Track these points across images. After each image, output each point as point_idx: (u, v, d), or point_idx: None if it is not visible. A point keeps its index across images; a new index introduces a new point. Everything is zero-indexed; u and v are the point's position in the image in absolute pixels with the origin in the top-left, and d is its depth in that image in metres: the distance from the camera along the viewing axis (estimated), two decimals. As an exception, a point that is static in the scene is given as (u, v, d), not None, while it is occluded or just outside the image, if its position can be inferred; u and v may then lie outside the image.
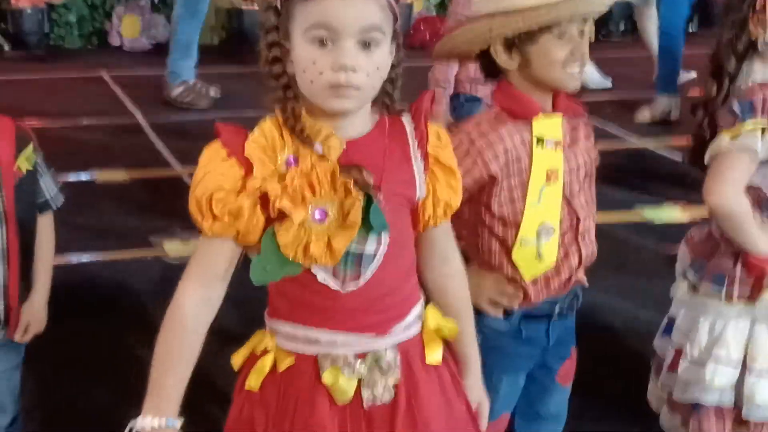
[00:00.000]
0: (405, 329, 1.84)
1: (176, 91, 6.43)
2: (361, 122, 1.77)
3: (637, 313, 3.70)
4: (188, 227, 4.33)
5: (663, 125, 6.25)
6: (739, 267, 2.47)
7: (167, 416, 1.75)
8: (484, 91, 3.61)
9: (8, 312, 2.39)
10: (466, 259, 2.06)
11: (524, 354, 2.39)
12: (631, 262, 4.12)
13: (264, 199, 1.71)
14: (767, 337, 2.47)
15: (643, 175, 5.30)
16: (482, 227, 2.32)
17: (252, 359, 1.84)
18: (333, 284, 1.76)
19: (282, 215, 1.71)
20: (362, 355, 1.79)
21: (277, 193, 1.69)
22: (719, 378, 2.47)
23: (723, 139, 2.43)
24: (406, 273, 1.85)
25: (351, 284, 1.77)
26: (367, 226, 1.73)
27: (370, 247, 1.76)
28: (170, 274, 3.98)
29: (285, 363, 1.80)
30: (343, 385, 1.78)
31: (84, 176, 5.02)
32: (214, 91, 6.42)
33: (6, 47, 7.60)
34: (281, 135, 1.74)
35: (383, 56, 1.72)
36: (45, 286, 2.50)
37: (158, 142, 5.67)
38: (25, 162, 2.37)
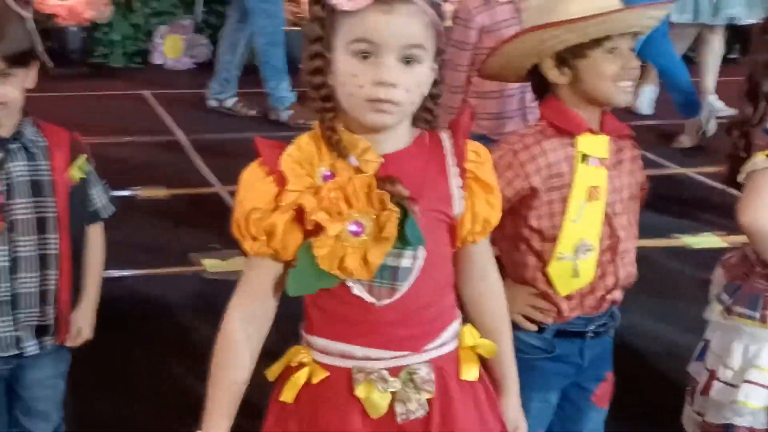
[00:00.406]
0: (441, 346, 1.83)
1: (287, 113, 6.61)
2: (399, 137, 1.78)
3: (675, 338, 3.68)
4: (227, 244, 4.39)
5: (700, 150, 6.23)
6: None
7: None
8: (490, 107, 3.62)
9: (59, 318, 2.43)
10: (502, 272, 2.07)
11: (557, 371, 2.39)
12: (669, 287, 4.09)
13: (300, 213, 1.72)
14: None
15: (681, 202, 5.28)
16: (520, 240, 2.33)
17: (287, 372, 1.85)
18: (368, 297, 1.77)
19: (318, 228, 1.72)
20: (396, 370, 1.79)
21: (313, 206, 1.70)
22: (753, 399, 2.45)
23: (758, 159, 2.43)
24: (442, 289, 1.85)
25: (386, 298, 1.77)
26: (403, 239, 1.73)
27: (406, 261, 1.76)
28: (208, 290, 4.04)
29: (319, 376, 1.80)
30: (377, 399, 1.77)
31: (125, 192, 5.07)
32: None
33: (50, 65, 7.68)
34: (319, 149, 1.76)
35: (424, 73, 1.73)
36: (95, 293, 2.54)
37: (198, 160, 5.71)
38: (77, 171, 2.42)
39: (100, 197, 2.51)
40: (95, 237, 2.53)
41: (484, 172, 1.84)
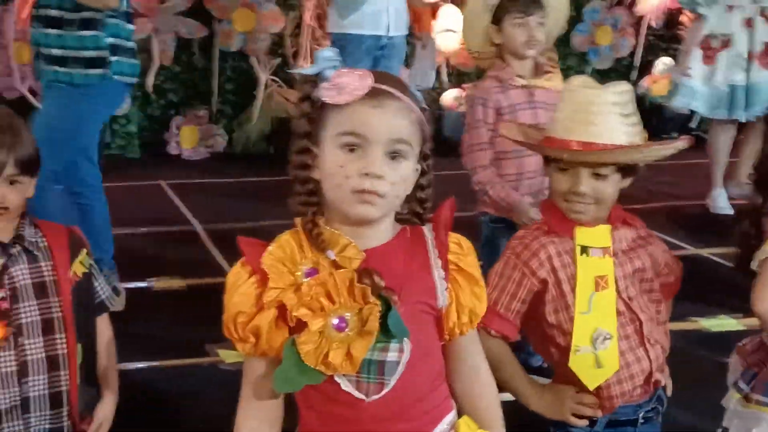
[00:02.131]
0: None
1: None
2: (382, 232, 1.81)
3: (694, 422, 3.65)
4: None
5: (716, 232, 6.23)
6: None
7: None
8: (530, 165, 3.67)
9: (71, 417, 2.43)
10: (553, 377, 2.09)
11: None
12: (687, 371, 4.05)
13: (283, 311, 1.75)
14: None
15: (697, 284, 5.25)
16: (547, 340, 2.35)
17: None
18: (356, 393, 1.77)
19: (302, 325, 1.74)
20: None
21: (294, 303, 1.73)
22: None
23: None
24: (433, 381, 1.84)
25: (374, 393, 1.77)
26: (387, 332, 1.74)
27: (392, 354, 1.77)
28: (226, 381, 4.02)
29: None
30: None
31: (141, 284, 5.08)
32: None
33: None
34: (300, 246, 1.79)
35: (408, 169, 1.77)
36: (114, 384, 2.55)
37: (214, 250, 5.73)
38: (80, 266, 2.45)
39: (103, 288, 2.53)
40: (103, 329, 2.55)
41: (467, 263, 1.85)
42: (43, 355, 2.36)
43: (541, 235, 2.39)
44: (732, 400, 2.56)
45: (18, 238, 2.38)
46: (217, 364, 4.18)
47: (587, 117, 2.31)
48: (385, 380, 1.77)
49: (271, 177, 6.89)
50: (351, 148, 1.73)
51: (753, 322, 4.55)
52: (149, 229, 6.17)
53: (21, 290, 2.35)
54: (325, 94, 1.74)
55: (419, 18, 6.24)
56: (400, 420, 1.80)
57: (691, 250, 5.91)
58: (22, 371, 2.34)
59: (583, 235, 2.35)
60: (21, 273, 2.36)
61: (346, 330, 1.73)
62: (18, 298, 2.34)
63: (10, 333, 2.32)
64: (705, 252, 5.90)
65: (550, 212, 2.43)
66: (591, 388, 2.34)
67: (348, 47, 6.23)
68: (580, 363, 2.32)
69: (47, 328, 2.37)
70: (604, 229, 2.37)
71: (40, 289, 2.37)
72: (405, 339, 1.76)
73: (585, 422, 2.38)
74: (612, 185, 2.37)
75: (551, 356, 2.41)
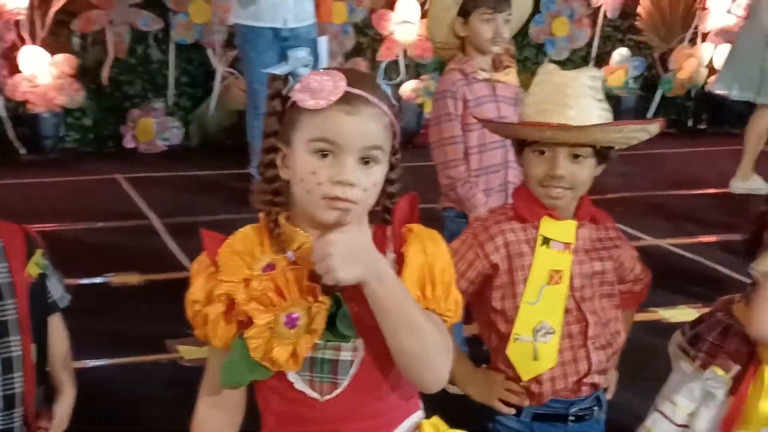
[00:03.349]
0: None
1: None
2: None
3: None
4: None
5: (676, 222, 6.27)
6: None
7: None
8: (494, 158, 3.70)
9: (26, 417, 2.39)
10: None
11: None
12: (648, 362, 4.08)
13: (233, 305, 1.73)
14: None
15: (656, 274, 5.28)
16: (489, 325, 2.34)
17: None
18: (310, 392, 1.76)
19: (252, 320, 1.71)
20: None
21: (243, 298, 1.71)
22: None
23: None
24: (392, 382, 1.79)
25: (328, 393, 1.76)
26: (338, 332, 1.71)
27: (345, 353, 1.75)
28: (186, 378, 3.99)
29: None
30: None
31: (99, 279, 5.03)
32: None
33: (22, 151, 7.67)
34: (262, 241, 1.77)
35: (381, 173, 1.74)
36: (72, 383, 2.52)
37: (172, 244, 5.69)
38: (35, 267, 2.40)
39: (56, 288, 2.49)
40: (57, 327, 2.51)
41: (407, 246, 1.77)
42: None
43: (504, 221, 2.38)
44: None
45: None
46: (177, 361, 4.15)
47: (563, 99, 2.30)
48: (338, 380, 1.75)
49: (229, 170, 6.88)
50: (323, 153, 1.70)
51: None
52: (106, 223, 6.11)
53: None
54: (298, 96, 1.71)
55: (319, 7, 6.16)
56: (358, 419, 1.78)
57: (649, 240, 5.94)
58: None
59: (548, 227, 2.34)
60: None
61: (296, 328, 1.70)
62: None
63: None
64: (664, 242, 5.94)
65: (520, 198, 2.41)
66: (524, 378, 2.34)
67: (249, 38, 6.26)
68: (517, 352, 2.33)
69: (2, 330, 2.33)
70: (569, 224, 2.36)
71: None
72: (358, 339, 1.74)
73: (512, 410, 2.38)
74: (588, 169, 2.34)
75: (491, 341, 2.41)
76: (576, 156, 2.30)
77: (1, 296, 2.33)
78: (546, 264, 2.32)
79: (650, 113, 9.53)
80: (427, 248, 1.76)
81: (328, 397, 1.76)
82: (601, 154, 2.34)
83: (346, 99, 1.69)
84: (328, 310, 1.69)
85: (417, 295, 1.73)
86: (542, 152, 2.34)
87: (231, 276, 1.74)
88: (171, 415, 3.68)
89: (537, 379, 2.34)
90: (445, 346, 1.76)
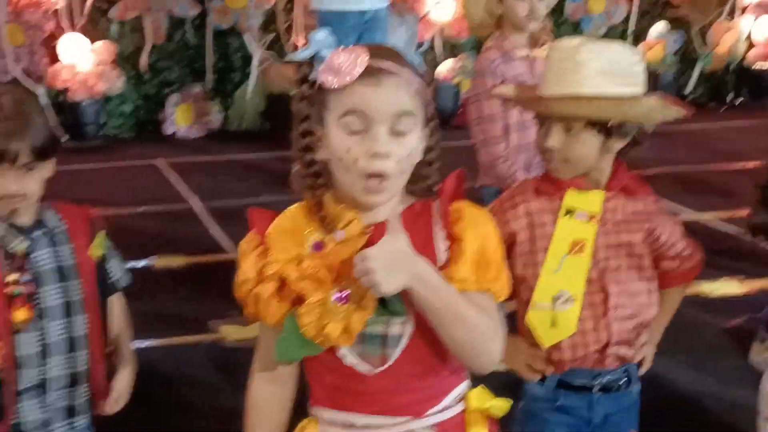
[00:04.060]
0: (444, 411, 1.84)
1: None
2: (389, 206, 1.80)
3: (699, 387, 3.67)
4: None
5: (716, 197, 6.23)
6: None
7: None
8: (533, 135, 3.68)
9: (95, 393, 2.45)
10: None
11: (561, 423, 2.42)
12: (689, 336, 4.08)
13: (284, 283, 1.77)
14: None
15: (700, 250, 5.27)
16: (514, 292, 2.36)
17: None
18: (360, 367, 1.79)
19: (302, 298, 1.75)
20: None
21: (294, 276, 1.75)
22: None
23: None
24: (440, 355, 1.81)
25: (378, 366, 1.79)
26: (390, 308, 1.75)
27: (394, 329, 1.78)
28: (229, 358, 4.04)
29: None
30: None
31: (142, 263, 5.08)
32: None
33: (64, 138, 7.75)
34: (308, 221, 1.80)
35: (415, 142, 1.76)
36: (132, 359, 2.56)
37: (214, 227, 5.73)
38: (98, 248, 2.45)
39: (117, 268, 2.54)
40: (118, 306, 2.56)
41: (459, 227, 1.81)
42: (64, 336, 2.37)
43: (530, 192, 2.40)
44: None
45: (39, 223, 2.38)
46: (220, 341, 4.19)
47: (564, 71, 2.32)
48: (388, 354, 1.78)
49: (268, 152, 6.91)
50: (355, 130, 1.72)
51: (754, 284, 4.58)
52: (147, 208, 6.17)
53: (44, 274, 2.35)
54: (322, 77, 1.73)
55: None
56: (404, 392, 1.81)
57: (689, 214, 5.91)
58: (44, 352, 2.35)
59: (573, 198, 2.35)
60: (44, 257, 2.36)
61: (348, 304, 1.74)
62: (41, 282, 2.35)
63: (34, 316, 2.33)
64: (703, 217, 5.91)
65: (546, 172, 2.43)
66: (544, 345, 2.36)
67: (333, 25, 6.20)
68: (537, 318, 2.35)
69: (68, 310, 2.38)
70: (596, 195, 2.36)
71: (62, 273, 2.37)
72: (408, 313, 1.76)
73: (536, 377, 2.41)
74: (584, 144, 2.32)
75: (511, 305, 2.43)
76: (568, 128, 2.30)
77: (66, 277, 2.37)
78: (568, 234, 2.33)
79: (689, 89, 9.46)
80: (480, 230, 1.81)
81: (377, 370, 1.79)
82: (606, 129, 2.31)
83: (370, 72, 1.71)
84: None
85: (473, 278, 1.78)
86: (542, 124, 2.36)
87: (282, 254, 1.78)
88: (214, 394, 3.74)
89: (557, 347, 2.36)
90: (495, 330, 1.79)
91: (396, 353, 1.78)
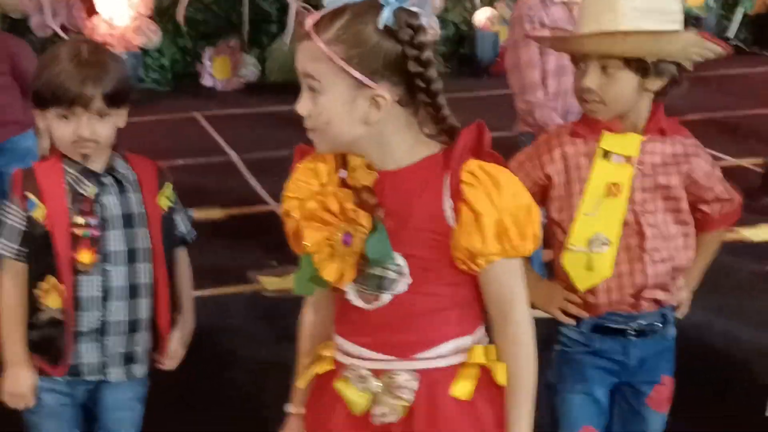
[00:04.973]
0: (436, 358, 1.87)
1: None
2: (398, 155, 1.84)
3: (736, 332, 3.66)
4: (284, 261, 4.41)
5: (756, 142, 6.18)
6: None
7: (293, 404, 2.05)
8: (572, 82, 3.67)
9: (160, 342, 2.51)
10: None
11: (596, 365, 2.43)
12: (728, 281, 4.07)
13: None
14: None
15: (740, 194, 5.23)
16: (549, 235, 2.37)
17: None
18: (355, 302, 1.88)
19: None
20: (380, 373, 1.88)
21: (298, 215, 1.87)
22: None
23: None
24: (438, 303, 1.87)
25: (372, 303, 1.87)
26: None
27: (390, 272, 1.84)
28: (268, 307, 4.07)
29: (323, 368, 1.96)
30: (352, 396, 1.89)
31: (181, 215, 5.12)
32: None
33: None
34: (335, 158, 1.89)
35: (328, 101, 1.80)
36: (191, 316, 2.61)
37: (252, 179, 5.76)
38: (165, 200, 2.50)
39: (184, 222, 2.58)
40: (183, 261, 2.60)
41: (474, 196, 1.79)
42: (126, 283, 2.42)
43: (566, 135, 2.40)
44: None
45: (110, 169, 2.43)
46: (260, 291, 4.23)
47: (599, 10, 2.31)
48: (382, 294, 1.85)
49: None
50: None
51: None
52: (186, 161, 6.19)
53: (111, 219, 2.40)
54: None
55: None
56: (395, 331, 1.87)
57: (730, 160, 5.87)
58: (106, 296, 2.40)
59: (609, 140, 2.34)
60: (112, 203, 2.41)
61: (351, 246, 1.83)
62: (107, 227, 2.40)
63: (98, 259, 2.38)
64: (745, 162, 5.86)
65: (583, 115, 2.43)
66: (580, 288, 2.36)
67: None
68: (572, 261, 2.35)
69: (132, 257, 2.42)
70: (633, 138, 2.35)
71: (128, 220, 2.42)
72: (402, 261, 1.82)
73: (571, 320, 2.42)
74: (621, 83, 2.31)
75: (551, 253, 2.44)
76: (604, 68, 2.30)
77: (132, 224, 2.42)
78: (604, 177, 2.33)
79: (731, 33, 9.35)
80: (494, 197, 1.79)
81: (371, 306, 1.87)
82: (644, 68, 2.30)
83: (300, 35, 1.85)
84: (368, 233, 1.81)
85: (497, 248, 1.80)
86: (578, 65, 2.35)
87: (295, 192, 1.89)
88: (254, 344, 3.78)
89: (592, 290, 2.36)
90: (535, 363, 1.88)
91: (387, 295, 1.86)
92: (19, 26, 7.58)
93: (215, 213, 5.21)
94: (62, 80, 2.31)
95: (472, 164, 1.81)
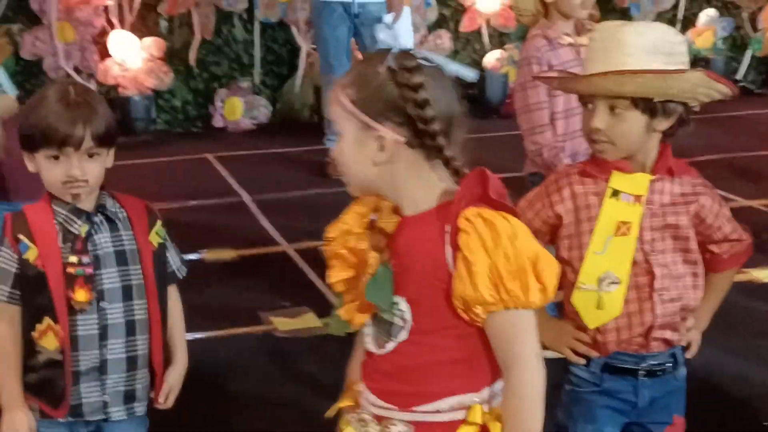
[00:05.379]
0: (434, 413, 1.86)
1: None
2: (416, 201, 1.85)
3: (747, 372, 3.65)
4: (296, 302, 4.41)
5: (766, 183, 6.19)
6: None
7: None
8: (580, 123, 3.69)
9: (155, 379, 2.52)
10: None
11: (606, 405, 2.43)
12: (739, 322, 4.06)
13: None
14: None
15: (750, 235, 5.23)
16: (560, 273, 2.37)
17: None
18: (370, 346, 1.92)
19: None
20: (380, 419, 1.89)
21: (327, 254, 1.93)
22: None
23: None
24: (440, 356, 1.85)
25: (381, 348, 1.89)
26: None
27: (397, 319, 1.85)
28: (280, 348, 4.08)
29: (345, 402, 1.99)
30: None
31: (193, 256, 5.13)
32: None
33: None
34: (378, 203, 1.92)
35: (344, 143, 1.86)
36: (184, 352, 2.61)
37: (264, 220, 5.77)
38: (156, 236, 2.51)
39: (174, 259, 2.59)
40: (174, 297, 2.61)
41: (468, 245, 1.77)
42: (123, 320, 2.43)
43: (575, 175, 2.41)
44: None
45: (100, 208, 2.45)
46: (272, 332, 4.23)
47: (607, 50, 2.33)
48: (389, 340, 1.87)
49: (316, 145, 6.94)
50: None
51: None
52: (198, 201, 6.23)
53: (104, 257, 2.42)
54: None
55: None
56: (396, 380, 1.88)
57: (740, 201, 5.87)
58: (103, 335, 2.42)
59: (618, 180, 2.36)
60: (104, 241, 2.43)
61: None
62: (101, 265, 2.42)
63: (93, 297, 2.40)
64: (755, 203, 5.86)
65: (592, 155, 2.44)
66: (589, 327, 2.37)
67: (323, 14, 6.46)
68: (582, 300, 2.36)
69: (127, 294, 2.44)
70: (642, 177, 2.36)
71: (121, 257, 2.44)
72: (405, 307, 1.84)
73: (581, 360, 2.42)
74: (629, 124, 2.32)
75: (560, 293, 2.44)
76: (612, 108, 2.31)
77: (125, 262, 2.44)
78: (613, 215, 2.34)
79: (740, 74, 9.38)
80: (488, 244, 1.76)
81: (380, 352, 1.89)
82: (652, 108, 2.31)
83: None
84: (373, 275, 1.84)
85: (494, 297, 1.76)
86: (587, 105, 2.37)
87: (332, 232, 1.94)
88: (266, 382, 3.78)
89: (601, 329, 2.37)
90: (542, 402, 1.81)
91: (393, 343, 1.87)
92: (32, 68, 7.66)
93: (227, 253, 5.22)
94: (52, 121, 2.34)
95: (470, 212, 1.78)
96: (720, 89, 2.35)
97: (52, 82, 2.48)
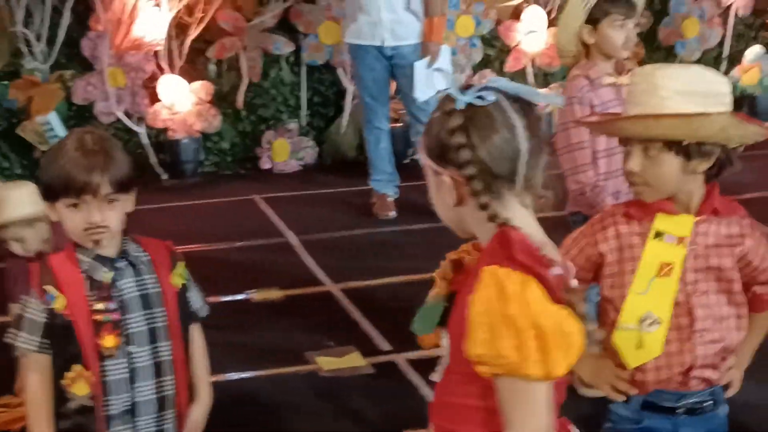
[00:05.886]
0: None
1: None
2: (484, 242, 1.87)
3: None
4: (341, 342, 4.44)
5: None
6: None
7: None
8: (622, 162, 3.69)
9: (179, 419, 2.55)
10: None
11: None
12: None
13: None
14: None
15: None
16: (602, 311, 2.39)
17: None
18: (435, 374, 1.94)
19: None
20: None
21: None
22: None
23: None
24: (464, 399, 1.84)
25: (433, 376, 1.94)
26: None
27: (444, 352, 1.90)
28: (325, 388, 4.10)
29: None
30: None
31: (240, 296, 5.19)
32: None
33: (164, 176, 7.92)
34: None
35: (430, 190, 1.91)
36: (208, 391, 2.64)
37: (310, 260, 5.81)
38: (178, 278, 2.57)
39: (196, 299, 2.64)
40: (197, 336, 2.65)
41: (474, 298, 1.76)
42: (151, 362, 2.48)
43: (620, 215, 2.43)
44: None
45: (123, 253, 2.50)
46: (316, 372, 4.26)
47: (642, 94, 2.35)
48: (437, 371, 1.93)
49: (362, 186, 6.97)
50: None
51: None
52: (245, 242, 6.28)
53: (129, 302, 2.47)
54: None
55: (428, 28, 6.27)
56: (434, 413, 1.93)
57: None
58: (132, 378, 2.47)
59: (662, 221, 2.37)
60: (128, 286, 2.48)
61: None
62: (126, 310, 2.47)
63: (122, 342, 2.45)
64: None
65: (635, 197, 2.46)
66: (629, 366, 2.38)
67: (358, 56, 6.51)
68: (623, 339, 2.37)
69: (153, 336, 2.49)
70: (686, 219, 2.37)
71: (146, 301, 2.50)
72: (446, 343, 1.88)
73: (621, 397, 2.43)
74: (663, 166, 2.33)
75: (602, 332, 2.45)
76: (646, 151, 2.33)
77: (150, 305, 2.50)
78: (656, 256, 2.35)
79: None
80: (492, 302, 1.73)
81: (434, 378, 1.94)
82: (686, 150, 2.31)
83: None
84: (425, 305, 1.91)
85: (487, 357, 1.74)
86: (626, 146, 2.41)
87: (449, 256, 1.98)
88: (311, 423, 3.81)
89: (641, 368, 2.37)
90: None
91: (437, 374, 1.93)
92: (84, 112, 7.79)
93: (273, 294, 5.26)
94: (69, 170, 2.39)
95: (488, 270, 1.75)
96: (753, 130, 2.36)
97: (71, 133, 2.53)
